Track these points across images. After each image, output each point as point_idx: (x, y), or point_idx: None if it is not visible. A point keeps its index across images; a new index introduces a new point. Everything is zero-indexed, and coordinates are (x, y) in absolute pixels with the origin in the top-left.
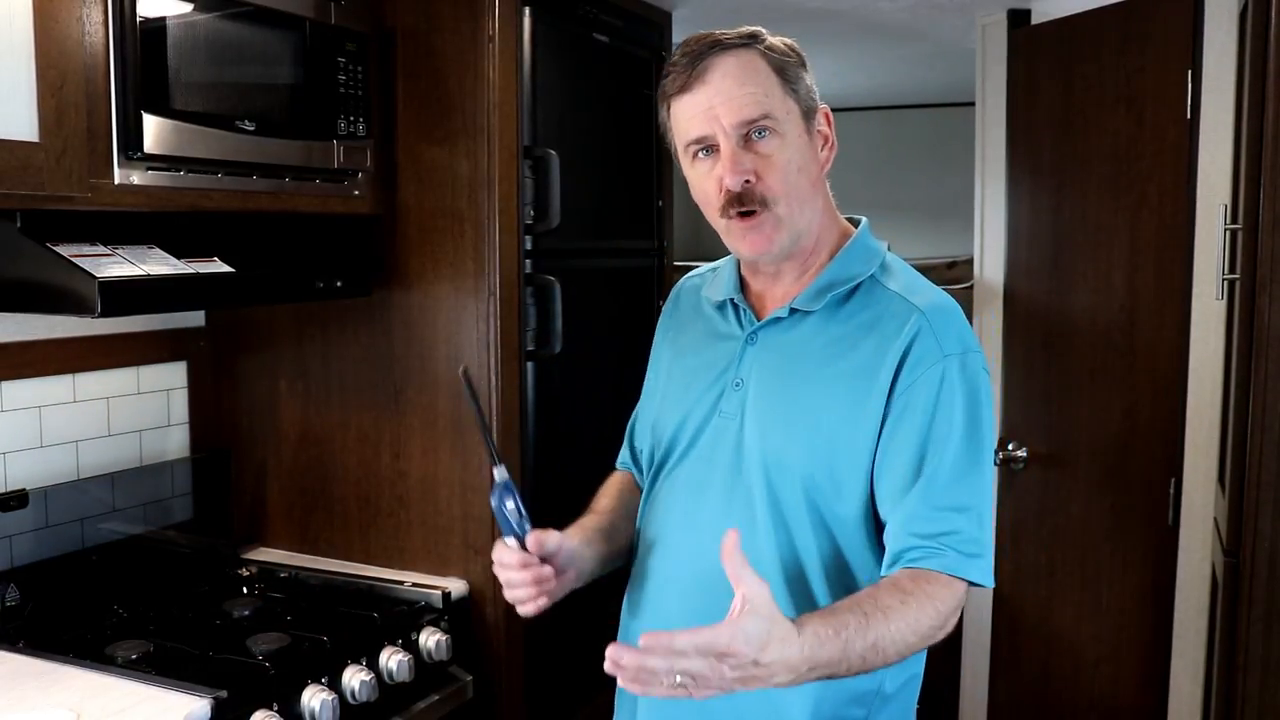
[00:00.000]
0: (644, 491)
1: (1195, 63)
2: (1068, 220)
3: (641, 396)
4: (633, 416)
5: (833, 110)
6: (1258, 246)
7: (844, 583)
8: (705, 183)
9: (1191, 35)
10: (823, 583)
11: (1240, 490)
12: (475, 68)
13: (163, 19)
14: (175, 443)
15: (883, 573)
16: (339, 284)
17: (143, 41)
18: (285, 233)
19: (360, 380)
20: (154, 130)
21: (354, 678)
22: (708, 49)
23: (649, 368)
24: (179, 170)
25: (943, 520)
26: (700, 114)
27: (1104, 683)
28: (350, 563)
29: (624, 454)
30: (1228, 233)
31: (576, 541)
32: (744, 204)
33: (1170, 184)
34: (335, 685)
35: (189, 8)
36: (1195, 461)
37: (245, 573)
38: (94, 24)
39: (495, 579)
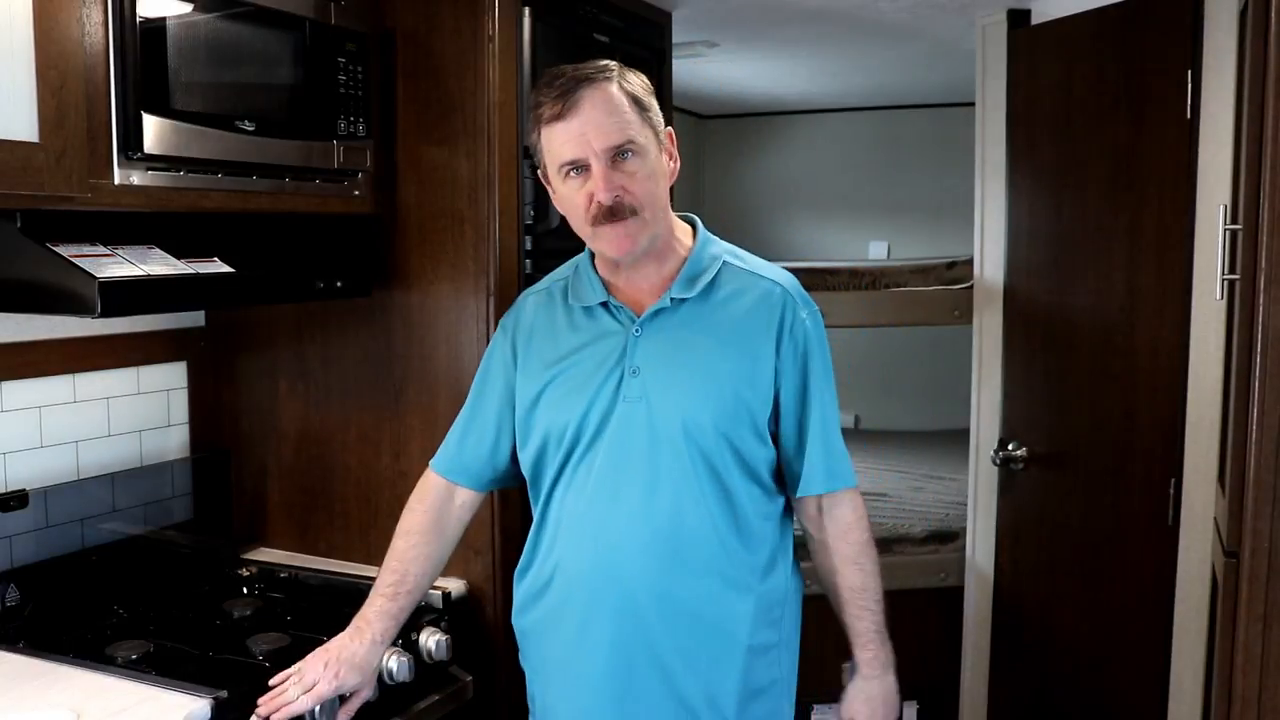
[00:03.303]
0: (545, 484)
1: (1195, 63)
2: (1068, 220)
3: (475, 408)
4: (463, 429)
5: (833, 110)
6: (1258, 246)
7: (765, 508)
8: (577, 197)
9: (1191, 35)
10: (757, 515)
11: (1240, 490)
12: (475, 68)
13: (163, 19)
14: (175, 443)
15: (797, 494)
16: (339, 284)
17: (143, 42)
18: (285, 233)
19: (360, 380)
20: (154, 130)
21: None
22: (576, 84)
23: (483, 380)
24: (179, 170)
25: (833, 450)
26: (573, 139)
27: (1104, 683)
28: (350, 563)
29: (455, 460)
30: (1228, 233)
31: (379, 652)
32: (615, 214)
33: (1170, 184)
34: None
35: (189, 8)
36: (1195, 461)
37: (245, 573)
38: (94, 24)
39: (495, 579)
